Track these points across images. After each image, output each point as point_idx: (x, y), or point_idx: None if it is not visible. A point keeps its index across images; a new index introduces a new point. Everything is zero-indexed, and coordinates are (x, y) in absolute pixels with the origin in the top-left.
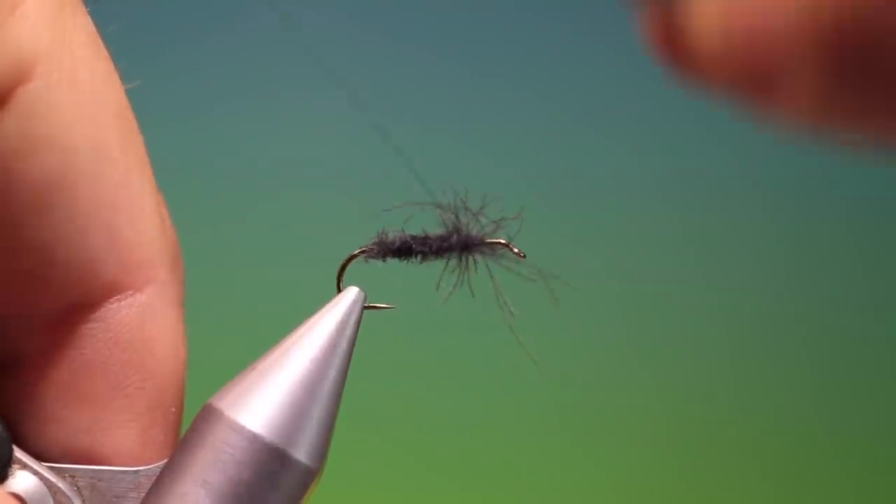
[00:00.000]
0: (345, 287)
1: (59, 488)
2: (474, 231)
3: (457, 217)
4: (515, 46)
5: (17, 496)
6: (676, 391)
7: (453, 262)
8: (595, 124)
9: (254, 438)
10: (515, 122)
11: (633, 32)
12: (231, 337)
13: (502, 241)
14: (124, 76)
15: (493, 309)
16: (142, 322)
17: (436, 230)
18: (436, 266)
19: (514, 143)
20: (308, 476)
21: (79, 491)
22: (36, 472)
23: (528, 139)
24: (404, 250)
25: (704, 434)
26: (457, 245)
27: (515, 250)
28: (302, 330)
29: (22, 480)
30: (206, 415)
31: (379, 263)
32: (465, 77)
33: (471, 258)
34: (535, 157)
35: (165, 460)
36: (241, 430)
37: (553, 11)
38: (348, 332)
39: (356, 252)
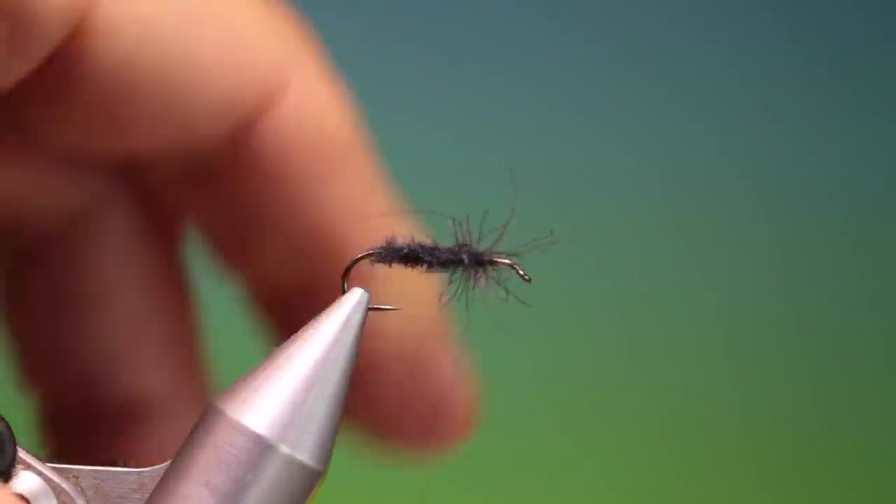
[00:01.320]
0: (349, 289)
1: (62, 489)
2: (483, 248)
3: (467, 232)
4: (514, 46)
5: (20, 496)
6: (675, 390)
7: (458, 275)
8: (594, 123)
9: (257, 439)
10: (514, 120)
11: (629, 31)
12: (234, 337)
13: (508, 262)
14: None
15: (495, 310)
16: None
17: (445, 242)
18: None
19: (512, 142)
20: (312, 477)
21: (82, 491)
22: (39, 473)
23: (526, 138)
24: (411, 258)
25: (703, 433)
26: (464, 260)
27: (521, 272)
28: (305, 331)
29: (25, 481)
30: (209, 415)
31: (385, 267)
32: (465, 76)
33: (476, 274)
34: (534, 155)
35: (168, 461)
36: (244, 430)
37: (552, 10)
38: (352, 333)
39: (361, 255)
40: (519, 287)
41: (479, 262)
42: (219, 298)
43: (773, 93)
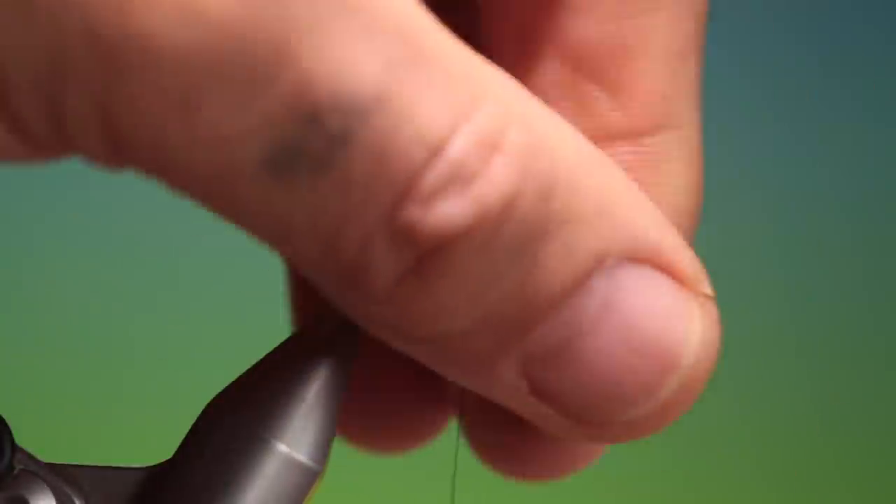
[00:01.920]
0: None
1: (61, 488)
2: None
3: None
4: None
5: (19, 496)
6: None
7: None
8: None
9: (255, 438)
10: None
11: None
12: (233, 336)
13: None
14: None
15: None
16: None
17: None
18: None
19: None
20: (310, 476)
21: (81, 490)
22: (38, 472)
23: None
24: None
25: (704, 433)
26: None
27: None
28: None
29: (24, 480)
30: (208, 415)
31: None
32: None
33: None
34: None
35: (167, 460)
36: (242, 429)
37: None
38: (351, 329)
39: None
40: None
41: None
42: (218, 296)
43: (774, 93)
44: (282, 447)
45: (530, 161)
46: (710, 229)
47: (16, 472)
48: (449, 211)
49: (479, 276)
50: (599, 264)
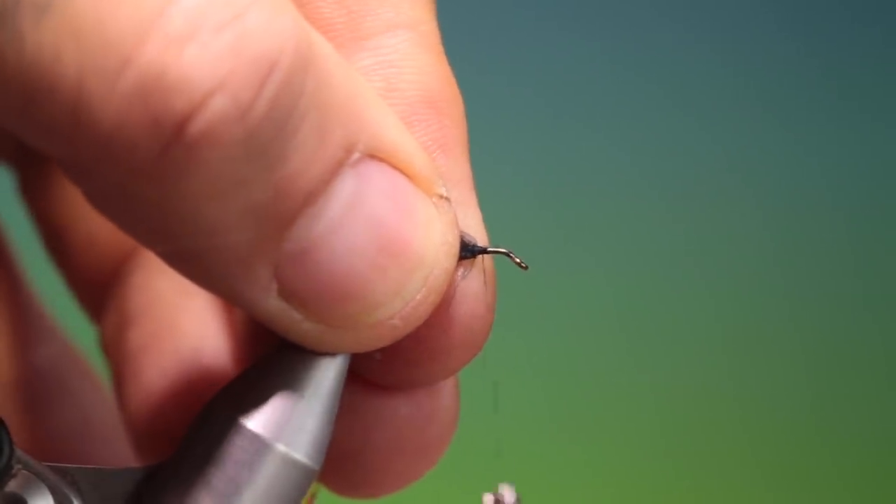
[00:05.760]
0: None
1: (59, 488)
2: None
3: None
4: (512, 44)
5: (17, 496)
6: (671, 388)
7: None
8: (589, 118)
9: (254, 438)
10: (509, 114)
11: (624, 26)
12: None
13: (505, 251)
14: None
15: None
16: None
17: None
18: None
19: (507, 136)
20: (308, 475)
21: (79, 491)
22: (37, 472)
23: (522, 132)
24: None
25: (700, 433)
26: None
27: (517, 261)
28: None
29: (23, 480)
30: (207, 415)
31: None
32: (462, 72)
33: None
34: (528, 151)
35: (166, 460)
36: (241, 429)
37: (552, 9)
38: None
39: None
40: (516, 281)
41: (474, 252)
42: None
43: (774, 93)
44: (279, 446)
45: (290, 23)
46: (709, 228)
47: (14, 472)
48: (201, 55)
49: (242, 151)
50: (347, 154)
